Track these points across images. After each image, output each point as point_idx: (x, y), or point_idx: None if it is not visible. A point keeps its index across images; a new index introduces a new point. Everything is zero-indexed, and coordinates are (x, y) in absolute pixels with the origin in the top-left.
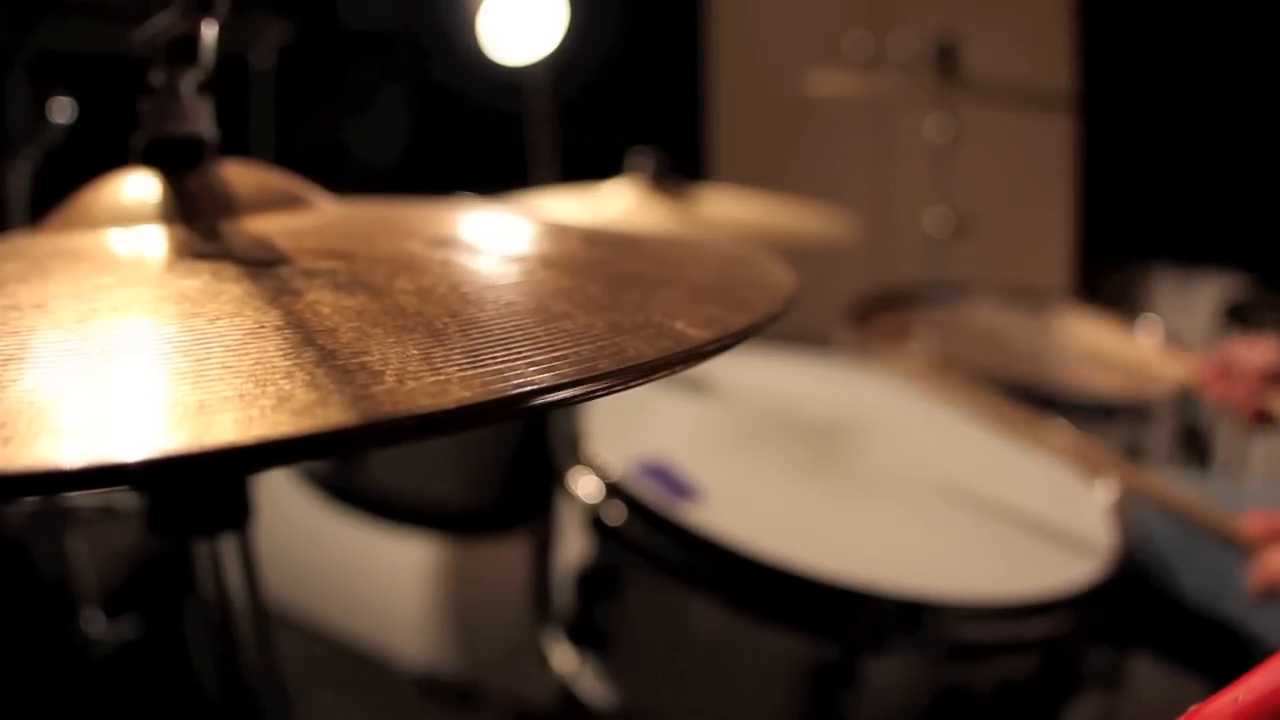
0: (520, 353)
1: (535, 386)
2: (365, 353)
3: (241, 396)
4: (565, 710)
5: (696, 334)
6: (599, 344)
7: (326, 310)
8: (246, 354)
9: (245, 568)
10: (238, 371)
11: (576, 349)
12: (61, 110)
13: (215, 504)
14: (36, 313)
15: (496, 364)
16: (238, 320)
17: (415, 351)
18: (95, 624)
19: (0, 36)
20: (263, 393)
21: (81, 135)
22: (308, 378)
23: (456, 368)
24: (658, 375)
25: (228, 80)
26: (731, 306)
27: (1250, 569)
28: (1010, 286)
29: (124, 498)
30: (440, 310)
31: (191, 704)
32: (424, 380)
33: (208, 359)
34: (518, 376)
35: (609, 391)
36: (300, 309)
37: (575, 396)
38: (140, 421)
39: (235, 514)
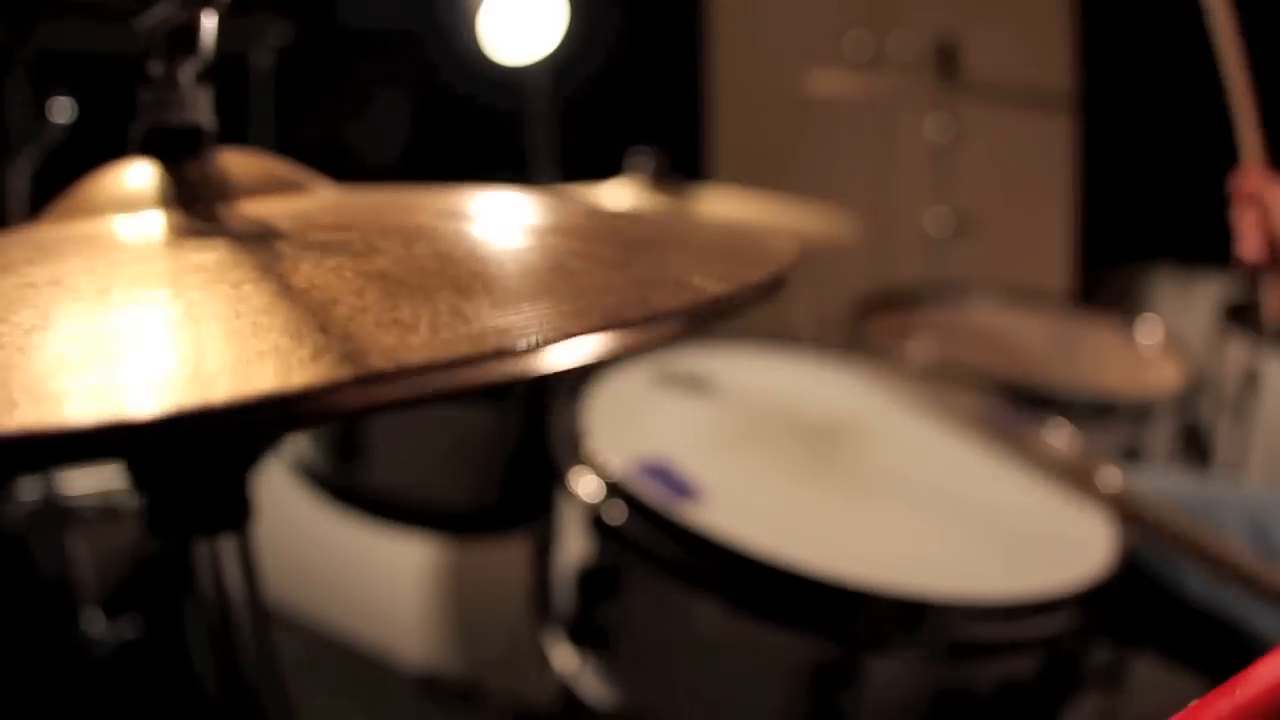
0: (548, 306)
1: (570, 332)
2: (396, 308)
3: (278, 350)
4: (565, 710)
5: (715, 287)
6: (623, 296)
7: (350, 274)
8: (276, 313)
9: (245, 568)
10: (270, 329)
11: (603, 301)
12: (61, 110)
13: (215, 503)
14: (54, 288)
15: (528, 316)
16: (262, 285)
17: (444, 307)
18: (95, 624)
19: (0, 36)
20: (300, 345)
21: (81, 135)
22: (342, 332)
23: (489, 319)
24: (690, 327)
25: (228, 80)
26: (741, 265)
27: None
28: (1010, 286)
29: (124, 497)
30: (462, 271)
31: (191, 704)
32: (458, 331)
33: (238, 319)
34: (550, 325)
35: (642, 348)
36: (323, 273)
37: (609, 347)
38: (188, 375)
39: (235, 514)
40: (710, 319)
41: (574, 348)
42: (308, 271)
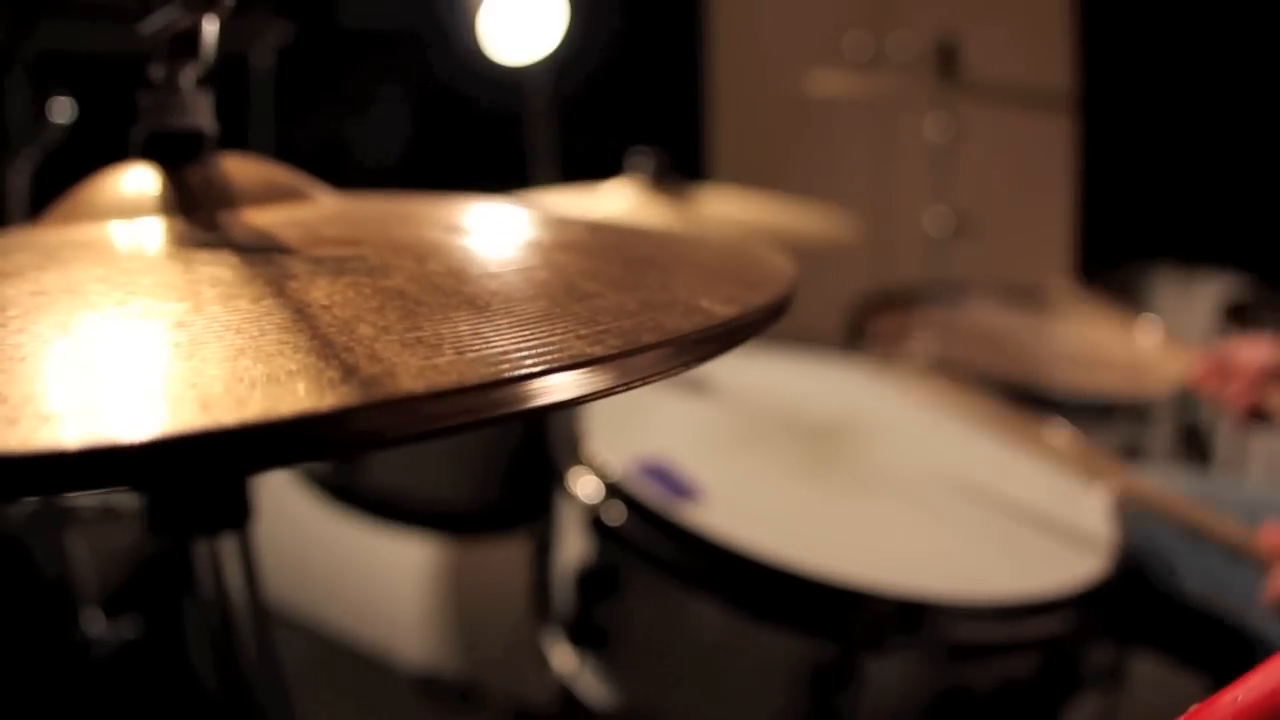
0: (566, 327)
1: (591, 357)
2: (417, 328)
3: (307, 369)
4: (565, 710)
5: (724, 311)
6: (637, 319)
7: (368, 291)
8: (301, 331)
9: (245, 568)
10: (297, 347)
11: (618, 323)
12: (61, 110)
13: (215, 504)
14: (69, 297)
15: (547, 337)
16: (281, 300)
17: (465, 327)
18: (95, 624)
19: (0, 36)
20: (328, 365)
21: (81, 135)
22: (368, 352)
23: (510, 341)
24: (702, 352)
25: (228, 80)
26: (746, 287)
27: (1267, 582)
28: (1010, 286)
29: (124, 498)
30: (478, 290)
31: (191, 704)
32: (483, 352)
33: (262, 336)
34: (572, 349)
35: (656, 372)
36: (341, 290)
37: (628, 372)
38: (215, 393)
39: (235, 514)
40: (720, 343)
41: (595, 373)
42: (325, 288)
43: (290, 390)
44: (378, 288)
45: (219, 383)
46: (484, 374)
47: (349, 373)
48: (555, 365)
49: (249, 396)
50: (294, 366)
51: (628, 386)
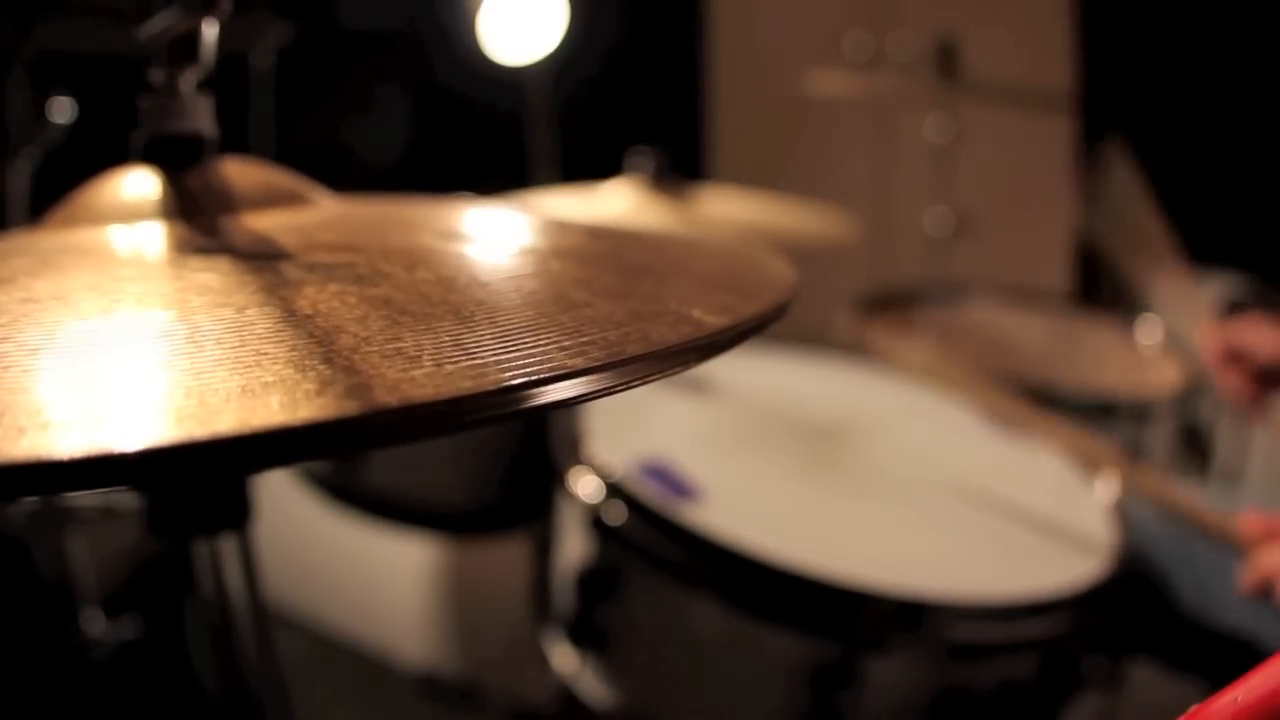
0: (550, 338)
1: (570, 370)
2: (398, 339)
3: (283, 381)
4: (565, 710)
5: (714, 321)
6: (624, 330)
7: (353, 300)
8: (281, 341)
9: (245, 568)
10: (275, 358)
11: (603, 334)
12: (61, 110)
13: (215, 504)
14: (58, 304)
15: (530, 349)
16: (266, 309)
17: (447, 338)
18: (95, 624)
19: (0, 36)
20: (304, 378)
21: (81, 135)
22: (346, 363)
23: (491, 353)
24: (686, 362)
25: (228, 80)
26: (741, 296)
27: (1243, 568)
28: (1010, 286)
29: (124, 498)
30: (464, 299)
31: (191, 704)
32: (462, 364)
33: (242, 346)
34: (552, 360)
35: (641, 382)
36: (326, 298)
37: (609, 383)
38: (194, 406)
39: (235, 514)
40: (710, 352)
41: (574, 385)
42: (312, 296)
43: (264, 403)
44: (364, 296)
45: (194, 395)
46: (460, 388)
47: (325, 385)
48: (534, 378)
49: (222, 409)
50: (270, 378)
51: (616, 389)
